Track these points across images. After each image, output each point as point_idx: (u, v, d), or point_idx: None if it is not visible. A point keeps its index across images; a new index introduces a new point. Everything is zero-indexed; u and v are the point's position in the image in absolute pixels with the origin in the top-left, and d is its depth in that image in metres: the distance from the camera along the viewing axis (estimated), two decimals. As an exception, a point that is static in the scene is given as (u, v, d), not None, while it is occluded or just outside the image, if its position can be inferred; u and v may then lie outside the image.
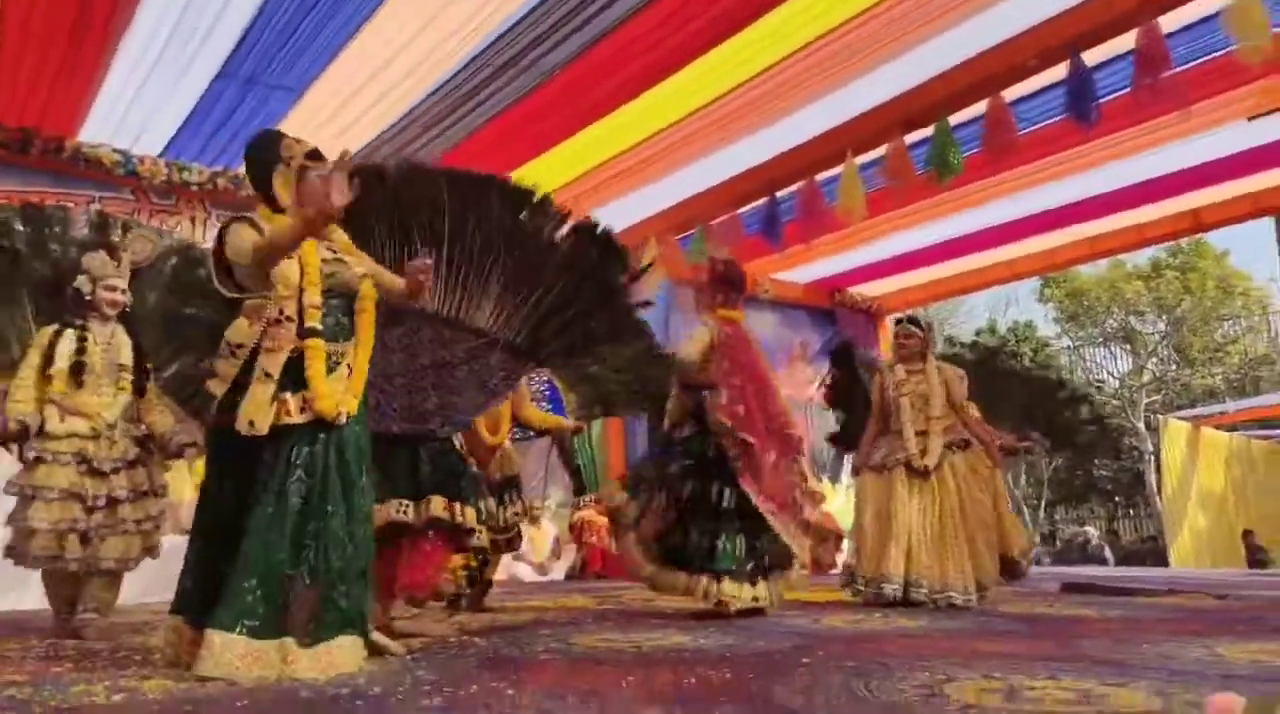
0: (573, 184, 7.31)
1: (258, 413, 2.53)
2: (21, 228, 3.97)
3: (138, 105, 6.01)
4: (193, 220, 7.00)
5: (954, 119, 6.11)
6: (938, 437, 4.53)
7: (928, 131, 6.23)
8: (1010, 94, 5.88)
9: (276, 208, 2.79)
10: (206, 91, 5.80)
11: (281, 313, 2.63)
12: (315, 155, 2.86)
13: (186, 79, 5.68)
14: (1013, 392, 14.13)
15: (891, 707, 1.92)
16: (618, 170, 7.05)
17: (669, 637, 3.22)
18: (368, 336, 2.81)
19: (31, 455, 3.43)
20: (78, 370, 3.52)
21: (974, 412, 5.00)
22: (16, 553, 3.41)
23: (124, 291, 3.72)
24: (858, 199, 6.40)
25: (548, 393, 4.84)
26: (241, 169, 6.88)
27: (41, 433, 3.45)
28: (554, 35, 5.42)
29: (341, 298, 2.77)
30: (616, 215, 8.00)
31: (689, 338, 4.24)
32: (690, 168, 7.04)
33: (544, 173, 7.11)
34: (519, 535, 4.59)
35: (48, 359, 3.52)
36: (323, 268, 2.73)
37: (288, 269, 2.65)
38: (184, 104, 6.00)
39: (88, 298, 3.63)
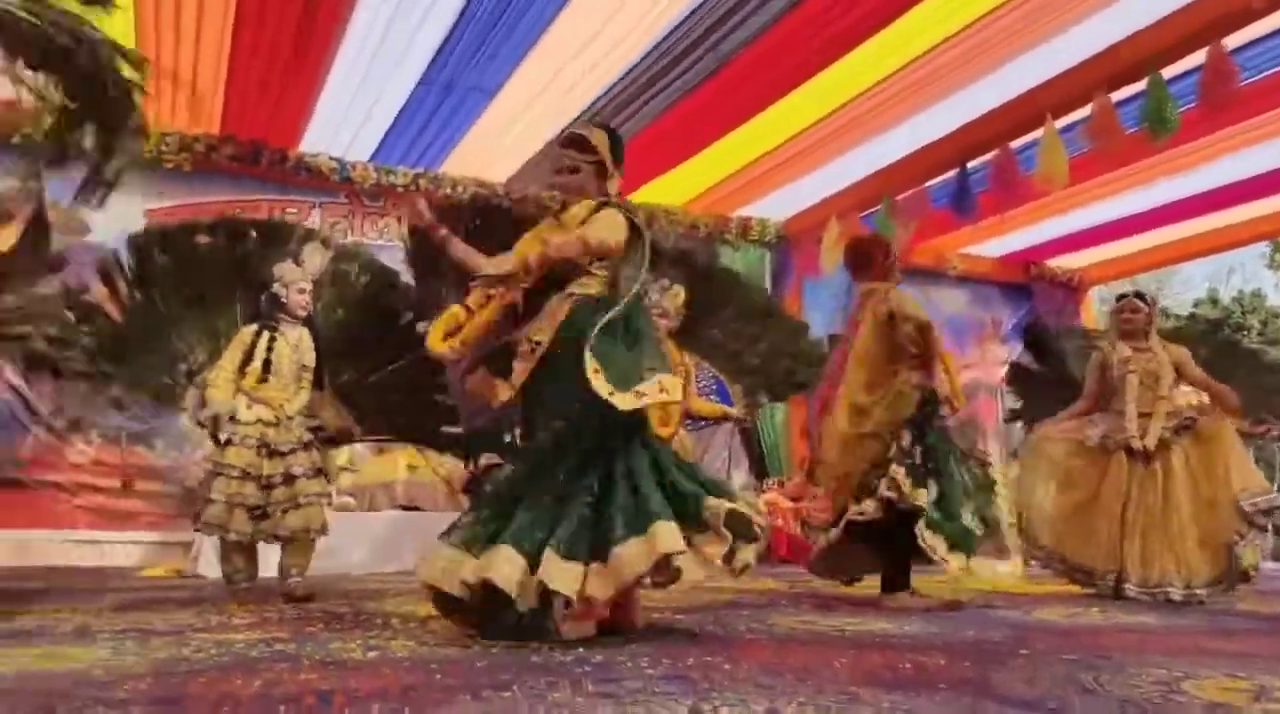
0: (757, 163, 7.29)
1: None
2: (255, 237, 4.56)
3: (349, 115, 6.51)
4: (399, 219, 7.52)
5: (1167, 72, 5.63)
6: (1160, 419, 4.23)
7: (1137, 87, 5.77)
8: (1232, 41, 5.36)
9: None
10: (409, 98, 6.21)
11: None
12: (566, 142, 3.04)
13: (391, 87, 6.09)
14: (1239, 369, 12.89)
15: (1126, 702, 1.84)
16: (801, 148, 6.97)
17: (871, 622, 3.20)
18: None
19: (224, 437, 3.86)
20: (267, 367, 3.94)
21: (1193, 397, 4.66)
22: (199, 520, 3.85)
23: (312, 305, 4.14)
24: (1060, 165, 6.01)
25: (715, 387, 5.05)
26: (444, 168, 7.38)
27: (233, 420, 3.88)
28: (733, 18, 5.42)
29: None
30: (799, 194, 7.94)
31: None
32: (874, 141, 6.86)
33: (729, 153, 7.14)
34: None
35: (246, 356, 3.94)
36: None
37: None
38: (389, 111, 6.45)
39: (283, 301, 4.02)
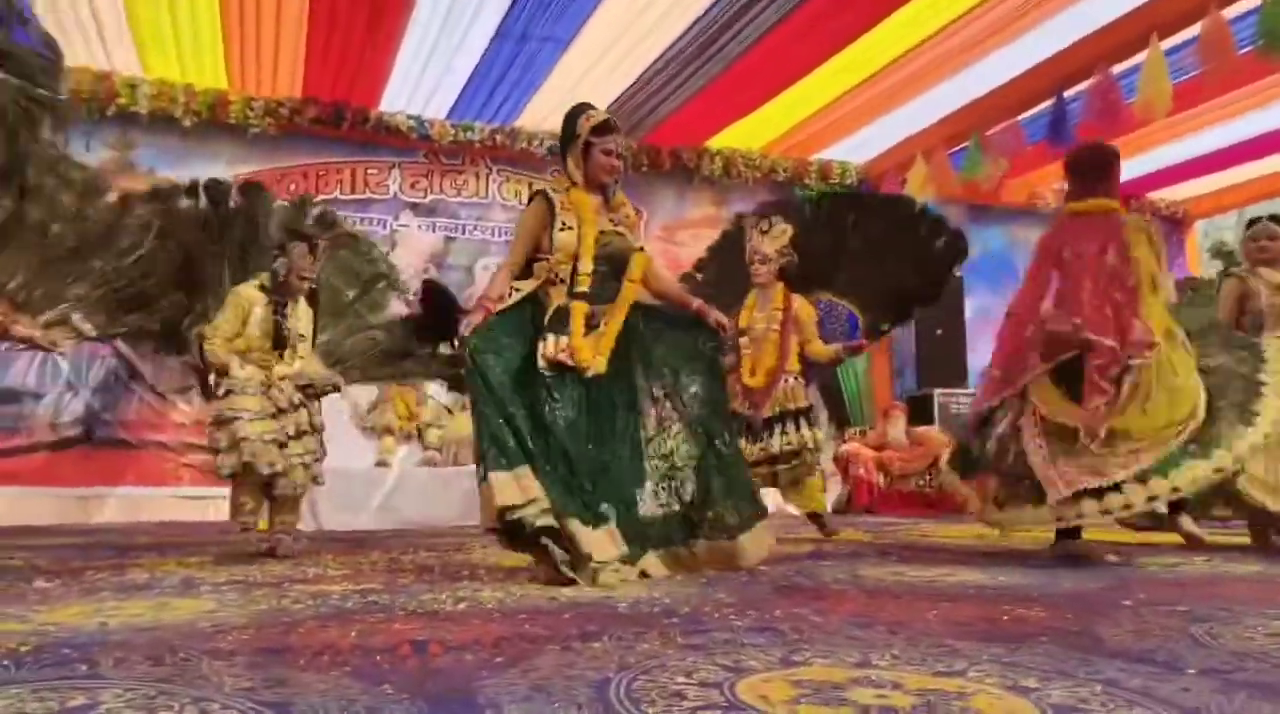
0: (836, 103, 7.08)
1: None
2: (239, 199, 4.95)
3: (427, 73, 6.53)
4: (477, 176, 7.56)
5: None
6: None
7: (1251, 3, 5.36)
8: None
9: (572, 181, 3.21)
10: (484, 53, 6.18)
11: (555, 275, 3.11)
12: (602, 129, 3.15)
13: (466, 42, 6.08)
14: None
15: (1243, 654, 1.73)
16: (881, 87, 6.74)
17: (963, 573, 3.12)
18: (625, 302, 3.15)
19: (222, 391, 3.97)
20: (265, 335, 4.03)
21: None
22: (229, 464, 3.86)
23: (314, 280, 4.22)
24: (1164, 91, 5.64)
25: (849, 321, 4.90)
26: (518, 123, 7.37)
27: (227, 375, 3.98)
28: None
29: (611, 265, 3.17)
30: (881, 135, 7.68)
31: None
32: (961, 77, 6.56)
33: (814, 91, 6.94)
34: (805, 465, 4.63)
35: (243, 321, 4.02)
36: (600, 238, 3.14)
37: (567, 239, 3.10)
38: (465, 66, 6.44)
39: (282, 280, 4.10)
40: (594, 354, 3.05)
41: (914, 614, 2.19)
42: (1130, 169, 8.32)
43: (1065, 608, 2.29)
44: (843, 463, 8.01)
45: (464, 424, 6.64)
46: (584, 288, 3.11)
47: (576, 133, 3.18)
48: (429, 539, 4.72)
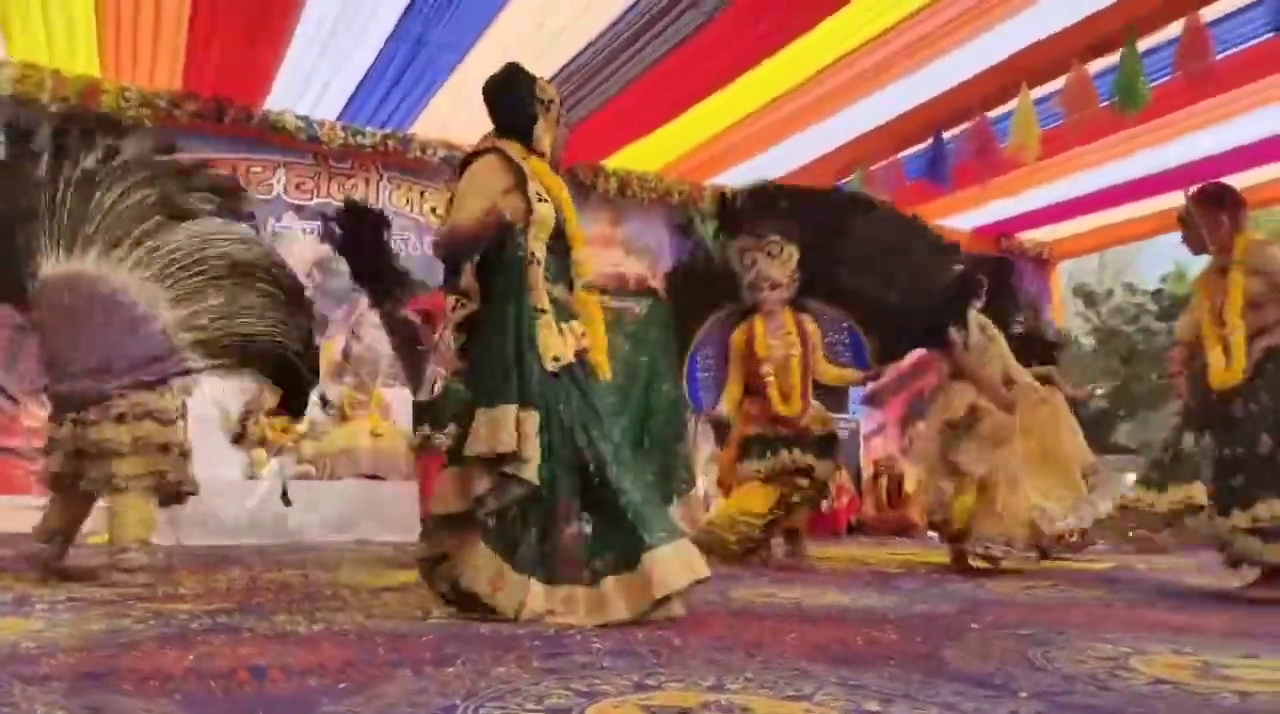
0: (729, 131, 7.20)
1: (559, 346, 2.58)
2: None
3: (316, 72, 6.33)
4: (366, 182, 7.37)
5: (1144, 44, 5.59)
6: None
7: (1111, 60, 5.74)
8: (1208, 13, 5.33)
9: (532, 149, 2.75)
10: (378, 55, 6.04)
11: (533, 255, 2.63)
12: (559, 102, 2.87)
13: (361, 42, 5.92)
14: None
15: (1072, 678, 1.83)
16: (774, 117, 6.88)
17: (830, 595, 3.20)
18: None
19: None
20: None
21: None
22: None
23: None
24: (1032, 136, 5.98)
25: (850, 342, 4.69)
26: (411, 130, 7.21)
27: None
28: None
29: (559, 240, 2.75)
30: (774, 162, 7.84)
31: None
32: (848, 111, 6.78)
33: (704, 120, 7.03)
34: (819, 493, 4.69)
35: None
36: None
37: (547, 212, 2.65)
38: (358, 68, 6.27)
39: None
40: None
41: (774, 637, 2.23)
42: (999, 211, 8.83)
43: (916, 631, 2.37)
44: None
45: (342, 436, 6.45)
46: (588, 277, 2.80)
47: (542, 97, 2.77)
48: (296, 555, 4.54)
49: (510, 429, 2.44)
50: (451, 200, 2.75)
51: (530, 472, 2.45)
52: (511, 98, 2.79)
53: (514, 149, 2.71)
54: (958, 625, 2.50)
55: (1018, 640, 2.24)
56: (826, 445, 4.53)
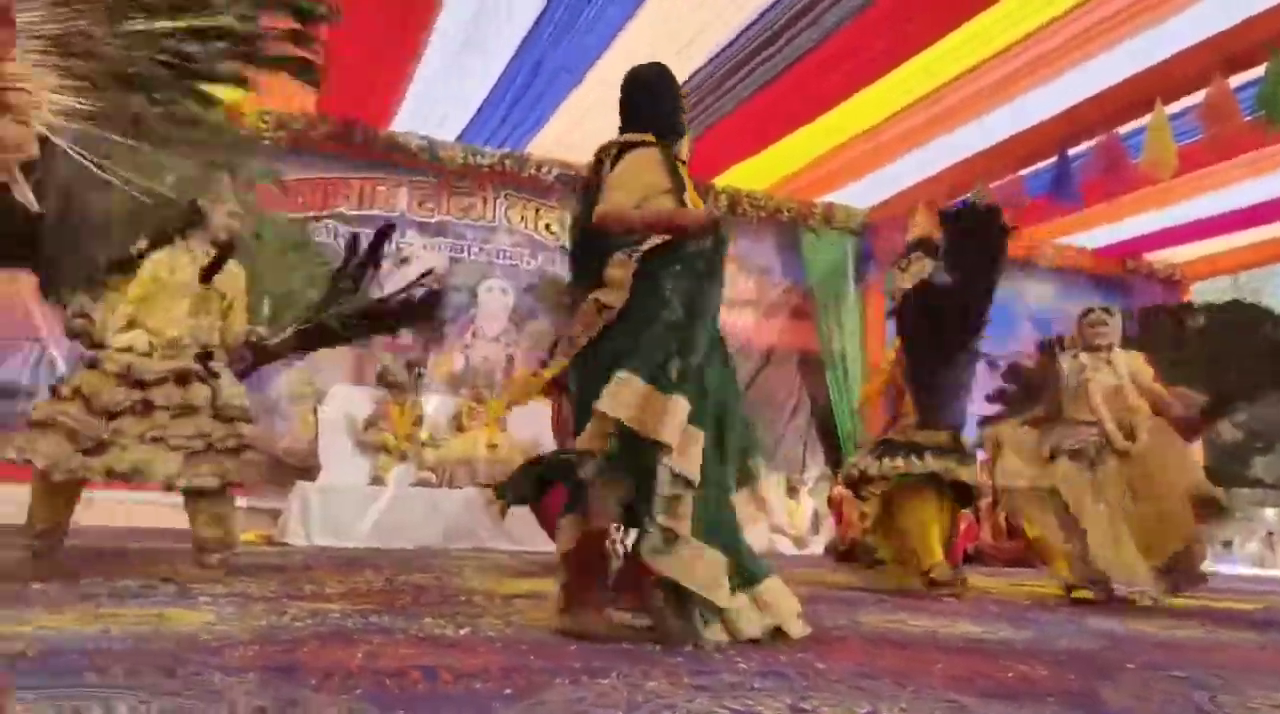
0: (843, 148, 7.16)
1: None
2: None
3: (441, 96, 6.58)
4: (484, 200, 7.60)
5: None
6: None
7: (1255, 73, 5.48)
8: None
9: (680, 158, 2.61)
10: (499, 79, 6.24)
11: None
12: None
13: (481, 68, 6.14)
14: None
15: (1248, 725, 1.75)
16: (890, 133, 6.82)
17: (959, 625, 3.12)
18: None
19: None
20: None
21: None
22: None
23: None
24: (1169, 151, 5.75)
25: None
26: (528, 149, 7.41)
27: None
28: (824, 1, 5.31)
29: None
30: (886, 180, 7.76)
31: None
32: (968, 127, 6.66)
33: (815, 138, 7.02)
34: None
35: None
36: None
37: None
38: (479, 92, 6.50)
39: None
40: None
41: (918, 666, 2.19)
42: (1126, 230, 8.49)
43: (1067, 667, 2.30)
44: (836, 504, 7.99)
45: (460, 446, 6.64)
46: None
47: (685, 107, 2.73)
48: (420, 559, 4.69)
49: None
50: (593, 191, 2.60)
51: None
52: (661, 99, 2.70)
53: (669, 152, 2.56)
54: (1109, 663, 2.41)
55: (1174, 682, 2.15)
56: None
